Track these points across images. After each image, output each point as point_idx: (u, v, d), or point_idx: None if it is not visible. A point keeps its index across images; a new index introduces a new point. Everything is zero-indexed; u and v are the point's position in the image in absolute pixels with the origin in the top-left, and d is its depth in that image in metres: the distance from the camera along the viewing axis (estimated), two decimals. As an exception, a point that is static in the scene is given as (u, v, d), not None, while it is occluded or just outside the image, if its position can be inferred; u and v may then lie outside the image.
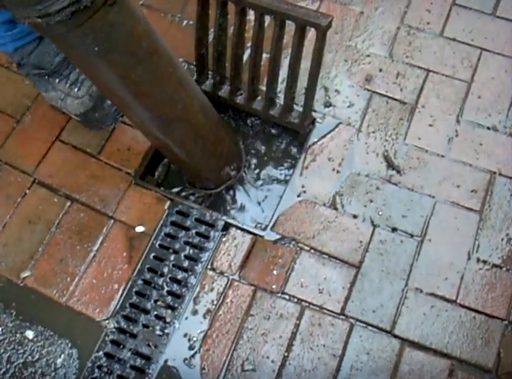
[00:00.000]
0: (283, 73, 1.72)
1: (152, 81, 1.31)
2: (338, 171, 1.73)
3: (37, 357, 1.53)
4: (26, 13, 1.05)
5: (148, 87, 1.31)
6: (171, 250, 1.63)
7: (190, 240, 1.64)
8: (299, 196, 1.70)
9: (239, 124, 1.90)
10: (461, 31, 1.94)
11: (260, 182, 1.81)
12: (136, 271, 1.61)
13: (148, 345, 1.53)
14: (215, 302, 1.57)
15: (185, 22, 1.99)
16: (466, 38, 1.93)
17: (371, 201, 1.69)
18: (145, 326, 1.55)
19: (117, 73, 1.24)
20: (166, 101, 1.39)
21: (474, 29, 1.94)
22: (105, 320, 1.56)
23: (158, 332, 1.54)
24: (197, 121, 1.53)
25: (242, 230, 1.65)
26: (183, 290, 1.58)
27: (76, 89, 1.69)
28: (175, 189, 1.78)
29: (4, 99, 1.86)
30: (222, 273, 1.60)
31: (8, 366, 1.52)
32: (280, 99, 1.77)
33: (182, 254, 1.62)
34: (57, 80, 1.69)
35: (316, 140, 1.77)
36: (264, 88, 1.73)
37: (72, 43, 1.15)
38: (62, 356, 1.53)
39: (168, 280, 1.59)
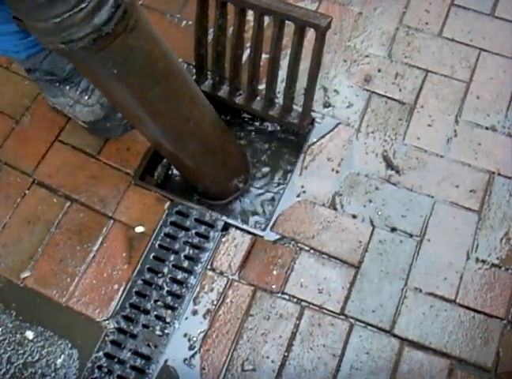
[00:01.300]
0: (282, 73, 1.72)
1: (167, 101, 1.34)
2: (337, 171, 1.73)
3: (37, 357, 1.54)
4: (51, 39, 1.09)
5: (163, 106, 1.34)
6: (170, 250, 1.63)
7: (190, 240, 1.64)
8: (298, 196, 1.70)
9: (237, 124, 1.90)
10: (460, 31, 1.94)
11: (259, 183, 1.82)
12: (136, 271, 1.61)
13: (148, 345, 1.53)
14: (215, 302, 1.57)
15: (184, 22, 1.99)
16: (465, 38, 1.93)
17: (370, 201, 1.69)
18: (145, 326, 1.55)
19: (134, 93, 1.27)
20: (179, 118, 1.42)
21: (473, 29, 1.95)
22: (105, 320, 1.57)
23: (158, 332, 1.54)
24: (209, 136, 1.57)
25: (242, 230, 1.65)
26: (183, 290, 1.58)
27: (86, 97, 1.69)
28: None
29: (3, 99, 1.86)
30: (222, 273, 1.61)
31: (8, 367, 1.52)
32: (280, 100, 1.77)
33: (182, 254, 1.62)
34: (67, 87, 1.69)
35: (315, 140, 1.77)
36: (263, 89, 1.73)
37: (92, 66, 1.18)
38: (62, 356, 1.53)
39: (168, 280, 1.60)
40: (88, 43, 1.08)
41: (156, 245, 1.64)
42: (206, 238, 1.64)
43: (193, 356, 1.53)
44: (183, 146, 1.52)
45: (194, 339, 1.54)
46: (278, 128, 1.87)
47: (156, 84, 1.27)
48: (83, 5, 1.04)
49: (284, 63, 1.70)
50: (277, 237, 1.65)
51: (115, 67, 1.16)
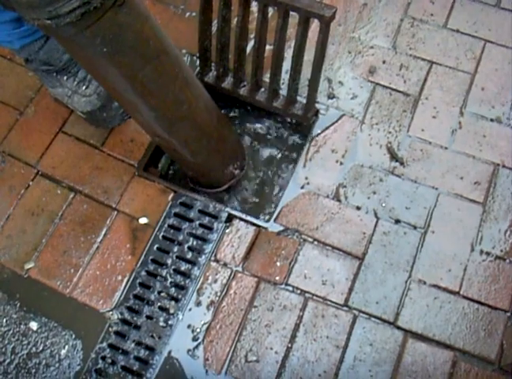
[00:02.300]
0: (286, 64, 1.72)
1: (158, 81, 1.31)
2: (341, 163, 1.73)
3: (41, 348, 1.54)
4: (36, 15, 1.04)
5: (154, 87, 1.31)
6: (174, 242, 1.63)
7: (194, 231, 1.64)
8: (302, 187, 1.70)
9: (241, 116, 1.90)
10: (465, 22, 1.94)
11: (263, 174, 1.82)
12: (139, 262, 1.61)
13: (152, 336, 1.54)
14: (218, 294, 1.57)
15: (188, 14, 1.99)
16: (470, 29, 1.92)
17: (375, 193, 1.69)
18: (149, 317, 1.55)
19: (124, 73, 1.24)
20: (171, 101, 1.39)
21: (478, 21, 1.94)
22: (109, 311, 1.57)
23: (162, 324, 1.54)
24: (202, 121, 1.54)
25: (246, 221, 1.65)
26: (187, 281, 1.58)
27: (84, 87, 1.68)
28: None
29: (7, 90, 1.86)
30: (225, 265, 1.61)
31: (12, 357, 1.53)
32: (284, 91, 1.76)
33: (186, 246, 1.62)
34: (65, 77, 1.69)
35: (319, 131, 1.77)
36: (267, 80, 1.73)
37: (80, 44, 1.14)
38: (66, 347, 1.54)
39: (172, 272, 1.60)
40: (76, 18, 1.03)
41: (160, 237, 1.64)
42: (210, 229, 1.64)
43: (196, 347, 1.53)
44: (176, 130, 1.49)
45: (198, 330, 1.54)
46: (283, 119, 1.87)
47: (147, 63, 1.23)
48: None
49: (289, 54, 1.70)
50: (281, 228, 1.65)
51: (105, 45, 1.12)
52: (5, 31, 1.49)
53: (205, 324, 1.55)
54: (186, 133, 1.52)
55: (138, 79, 1.25)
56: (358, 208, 1.67)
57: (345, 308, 1.56)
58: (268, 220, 1.67)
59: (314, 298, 1.57)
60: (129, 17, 1.13)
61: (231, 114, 1.90)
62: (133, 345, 1.53)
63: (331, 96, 1.82)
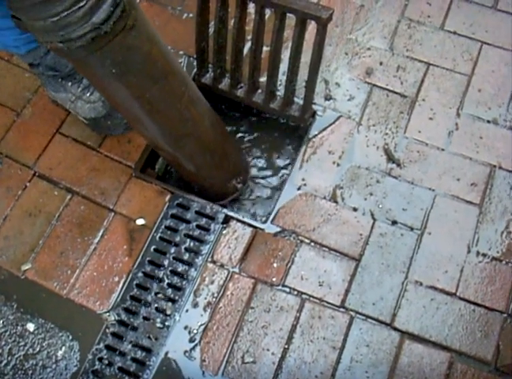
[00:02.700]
0: (283, 66, 1.72)
1: (165, 100, 1.33)
2: (338, 164, 1.73)
3: (38, 349, 1.54)
4: (49, 38, 1.08)
5: (161, 106, 1.34)
6: (171, 243, 1.63)
7: (191, 233, 1.64)
8: (299, 189, 1.70)
9: (238, 117, 1.90)
10: (462, 24, 1.94)
11: (260, 175, 1.82)
12: (136, 263, 1.61)
13: (149, 337, 1.54)
14: (215, 295, 1.58)
15: (185, 15, 1.99)
16: (467, 31, 1.93)
17: (371, 194, 1.69)
18: (146, 318, 1.55)
19: (132, 93, 1.27)
20: (177, 118, 1.42)
21: (475, 22, 1.94)
22: (106, 312, 1.57)
23: (158, 325, 1.55)
24: (207, 137, 1.56)
25: (243, 222, 1.65)
26: (184, 282, 1.58)
27: (88, 94, 1.69)
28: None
29: (4, 91, 1.86)
30: (222, 266, 1.61)
31: (9, 358, 1.53)
32: (281, 92, 1.77)
33: (183, 247, 1.62)
34: (70, 83, 1.69)
35: (316, 133, 1.77)
36: (264, 81, 1.73)
37: (90, 65, 1.17)
38: (63, 348, 1.54)
39: (169, 273, 1.60)
40: (87, 42, 1.07)
41: (157, 238, 1.64)
42: (207, 230, 1.64)
43: (193, 348, 1.53)
44: (181, 146, 1.52)
45: (195, 331, 1.54)
46: (279, 120, 1.87)
47: (154, 83, 1.26)
48: (81, 4, 1.03)
49: (285, 56, 1.70)
50: (278, 229, 1.65)
51: (114, 66, 1.16)
52: (11, 36, 1.49)
53: (201, 325, 1.55)
54: (190, 148, 1.55)
55: (146, 98, 1.28)
56: (355, 210, 1.67)
57: (342, 309, 1.57)
58: (265, 221, 1.67)
59: (311, 299, 1.58)
60: (137, 40, 1.17)
61: (227, 117, 1.90)
62: (130, 346, 1.53)
63: (328, 98, 1.82)
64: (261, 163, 1.84)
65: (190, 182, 1.74)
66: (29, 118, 1.82)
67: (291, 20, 1.54)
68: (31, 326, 1.56)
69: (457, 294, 1.58)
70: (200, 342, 1.53)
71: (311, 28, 1.78)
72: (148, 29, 1.20)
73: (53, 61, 1.60)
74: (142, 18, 1.17)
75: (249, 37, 1.65)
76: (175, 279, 1.59)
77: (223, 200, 1.74)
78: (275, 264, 1.61)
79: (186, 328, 1.55)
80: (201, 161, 1.61)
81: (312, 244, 1.63)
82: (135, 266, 1.61)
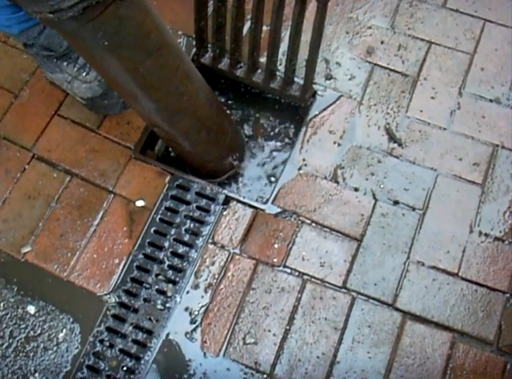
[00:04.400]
0: (283, 45, 1.70)
1: (160, 74, 1.31)
2: (339, 144, 1.72)
3: (39, 332, 1.54)
4: (38, 9, 1.05)
5: (155, 80, 1.31)
6: (171, 224, 1.62)
7: (191, 214, 1.63)
8: (299, 169, 1.69)
9: (238, 96, 1.88)
10: (464, 2, 1.91)
11: (260, 156, 1.80)
12: (136, 245, 1.60)
13: (150, 319, 1.53)
14: (216, 276, 1.57)
15: (184, -6, 1.97)
16: (469, 9, 1.90)
17: (373, 174, 1.68)
18: (146, 300, 1.55)
19: (126, 67, 1.24)
20: (172, 93, 1.39)
21: (477, 0, 1.92)
22: (106, 294, 1.56)
23: (159, 306, 1.54)
24: (202, 113, 1.54)
25: (243, 203, 1.64)
26: (184, 264, 1.58)
27: (84, 73, 1.67)
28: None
29: (1, 73, 1.84)
30: (223, 247, 1.60)
31: (10, 341, 1.53)
32: (281, 72, 1.75)
33: (183, 228, 1.62)
34: (65, 63, 1.67)
35: (317, 113, 1.76)
36: (264, 61, 1.71)
37: (82, 37, 1.15)
38: (64, 331, 1.54)
39: (169, 254, 1.59)
40: (78, 13, 1.04)
41: (157, 219, 1.63)
42: (207, 211, 1.63)
43: (194, 330, 1.52)
44: (176, 122, 1.50)
45: (196, 312, 1.54)
46: (279, 100, 1.85)
47: (148, 56, 1.23)
48: None
49: (286, 35, 1.68)
50: (279, 210, 1.64)
51: (106, 38, 1.13)
52: (3, 15, 1.47)
53: (202, 306, 1.55)
54: (186, 124, 1.53)
55: (139, 72, 1.26)
56: (356, 190, 1.66)
57: (343, 290, 1.56)
58: (265, 202, 1.66)
59: (313, 280, 1.57)
60: (130, 11, 1.14)
61: (228, 97, 1.89)
62: (130, 328, 1.53)
63: (328, 77, 1.80)
64: (262, 142, 1.82)
65: (186, 160, 1.73)
66: (27, 100, 1.80)
67: (290, -3, 1.52)
68: (31, 309, 1.56)
69: (459, 274, 1.57)
70: (201, 323, 1.53)
71: (311, 6, 1.76)
72: (141, 0, 1.17)
73: (47, 41, 1.59)
74: None
75: (248, 16, 1.63)
76: (176, 261, 1.58)
77: (219, 178, 1.73)
78: (276, 245, 1.60)
79: (186, 309, 1.54)
80: (197, 137, 1.59)
81: (313, 224, 1.62)
82: (135, 248, 1.60)
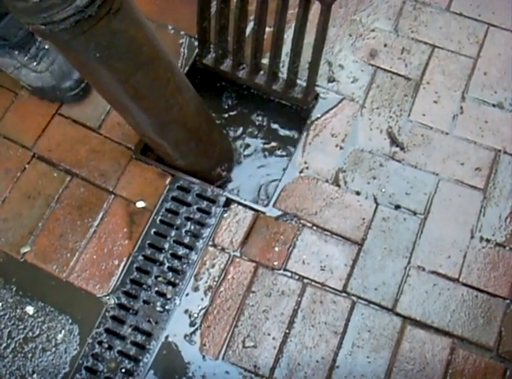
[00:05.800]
0: (286, 47, 1.69)
1: (150, 86, 1.31)
2: (341, 147, 1.71)
3: (37, 332, 1.53)
4: (30, 20, 1.04)
5: (146, 91, 1.31)
6: (172, 226, 1.62)
7: (191, 216, 1.62)
8: (301, 172, 1.68)
9: (240, 98, 1.88)
10: (468, 5, 1.91)
11: (261, 158, 1.80)
12: (136, 246, 1.60)
13: (149, 321, 1.53)
14: (216, 279, 1.56)
15: (187, -6, 1.96)
16: (473, 13, 1.90)
17: (374, 178, 1.67)
18: (146, 302, 1.54)
19: (117, 78, 1.24)
20: (163, 104, 1.39)
21: (481, 4, 1.91)
22: (105, 296, 1.56)
23: (159, 308, 1.54)
24: (192, 124, 1.54)
25: (244, 206, 1.64)
26: (184, 266, 1.57)
27: (35, 63, 1.69)
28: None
29: (2, 72, 1.83)
30: (223, 249, 1.59)
31: (8, 341, 1.52)
32: (283, 74, 1.74)
33: (183, 230, 1.61)
34: (17, 51, 1.69)
35: (319, 115, 1.75)
36: (267, 63, 1.70)
37: (74, 49, 1.14)
38: (63, 332, 1.53)
39: (169, 256, 1.58)
40: (70, 25, 1.04)
41: (157, 221, 1.62)
42: (208, 213, 1.63)
43: (193, 332, 1.52)
44: (166, 132, 1.50)
45: (195, 315, 1.53)
46: (281, 102, 1.84)
47: (139, 68, 1.23)
48: None
49: (289, 37, 1.67)
50: (280, 213, 1.63)
51: (98, 51, 1.12)
52: None
53: (202, 309, 1.54)
54: (175, 135, 1.52)
55: (130, 83, 1.26)
56: (357, 193, 1.66)
57: (344, 294, 1.55)
58: (266, 205, 1.65)
59: (313, 283, 1.56)
60: (123, 24, 1.13)
61: (229, 99, 1.88)
62: (129, 330, 1.52)
63: (331, 80, 1.80)
64: (263, 145, 1.82)
65: (177, 169, 1.73)
66: (27, 99, 1.79)
67: (294, 0, 1.51)
68: (30, 309, 1.55)
69: (460, 279, 1.57)
70: (200, 326, 1.52)
71: (315, 8, 1.75)
72: (134, 13, 1.17)
73: (2, 32, 1.60)
74: (128, 1, 1.14)
75: (251, 17, 1.63)
76: (176, 263, 1.58)
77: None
78: (276, 248, 1.59)
79: (186, 311, 1.54)
80: (186, 148, 1.59)
81: (314, 228, 1.62)
82: (135, 249, 1.60)
